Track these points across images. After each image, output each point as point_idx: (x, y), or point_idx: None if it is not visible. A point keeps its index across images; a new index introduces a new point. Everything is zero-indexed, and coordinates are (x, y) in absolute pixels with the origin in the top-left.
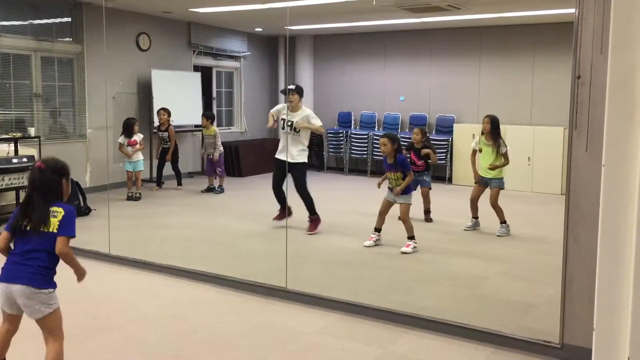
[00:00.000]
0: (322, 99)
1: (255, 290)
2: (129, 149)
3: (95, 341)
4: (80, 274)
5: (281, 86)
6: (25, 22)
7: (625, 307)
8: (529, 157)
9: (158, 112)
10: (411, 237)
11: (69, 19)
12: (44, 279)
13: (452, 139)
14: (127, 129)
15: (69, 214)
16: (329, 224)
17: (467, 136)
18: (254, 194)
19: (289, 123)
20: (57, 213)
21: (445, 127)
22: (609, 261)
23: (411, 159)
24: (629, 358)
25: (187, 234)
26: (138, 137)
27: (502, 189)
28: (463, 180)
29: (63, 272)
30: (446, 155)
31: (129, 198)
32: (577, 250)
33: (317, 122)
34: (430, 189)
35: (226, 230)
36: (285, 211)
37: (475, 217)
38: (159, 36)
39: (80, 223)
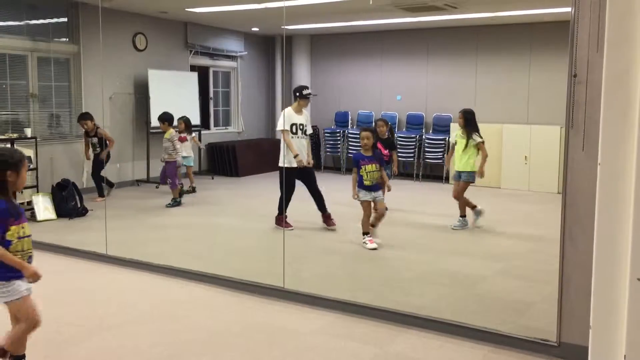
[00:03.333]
0: (319, 99)
1: (252, 290)
2: (179, 144)
3: (91, 341)
4: (27, 274)
5: (278, 86)
6: (22, 22)
7: (621, 305)
8: (525, 156)
9: (79, 122)
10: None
11: (65, 19)
12: None
13: (449, 138)
14: (188, 126)
15: None
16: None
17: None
18: (251, 194)
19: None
20: None
21: (442, 126)
22: (605, 259)
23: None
24: (625, 356)
25: (183, 234)
26: (189, 135)
27: (472, 182)
28: None
29: (63, 273)
30: (443, 155)
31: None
32: (574, 249)
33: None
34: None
35: (223, 229)
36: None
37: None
38: (156, 36)
39: (77, 224)
